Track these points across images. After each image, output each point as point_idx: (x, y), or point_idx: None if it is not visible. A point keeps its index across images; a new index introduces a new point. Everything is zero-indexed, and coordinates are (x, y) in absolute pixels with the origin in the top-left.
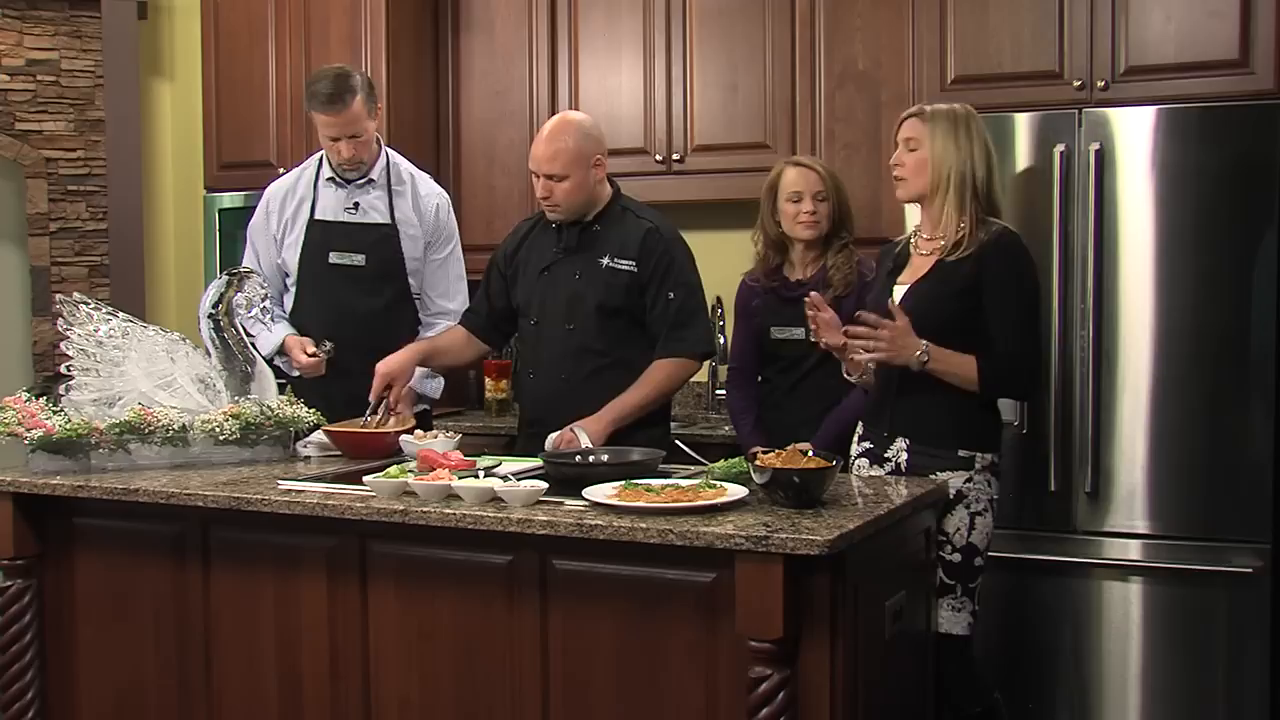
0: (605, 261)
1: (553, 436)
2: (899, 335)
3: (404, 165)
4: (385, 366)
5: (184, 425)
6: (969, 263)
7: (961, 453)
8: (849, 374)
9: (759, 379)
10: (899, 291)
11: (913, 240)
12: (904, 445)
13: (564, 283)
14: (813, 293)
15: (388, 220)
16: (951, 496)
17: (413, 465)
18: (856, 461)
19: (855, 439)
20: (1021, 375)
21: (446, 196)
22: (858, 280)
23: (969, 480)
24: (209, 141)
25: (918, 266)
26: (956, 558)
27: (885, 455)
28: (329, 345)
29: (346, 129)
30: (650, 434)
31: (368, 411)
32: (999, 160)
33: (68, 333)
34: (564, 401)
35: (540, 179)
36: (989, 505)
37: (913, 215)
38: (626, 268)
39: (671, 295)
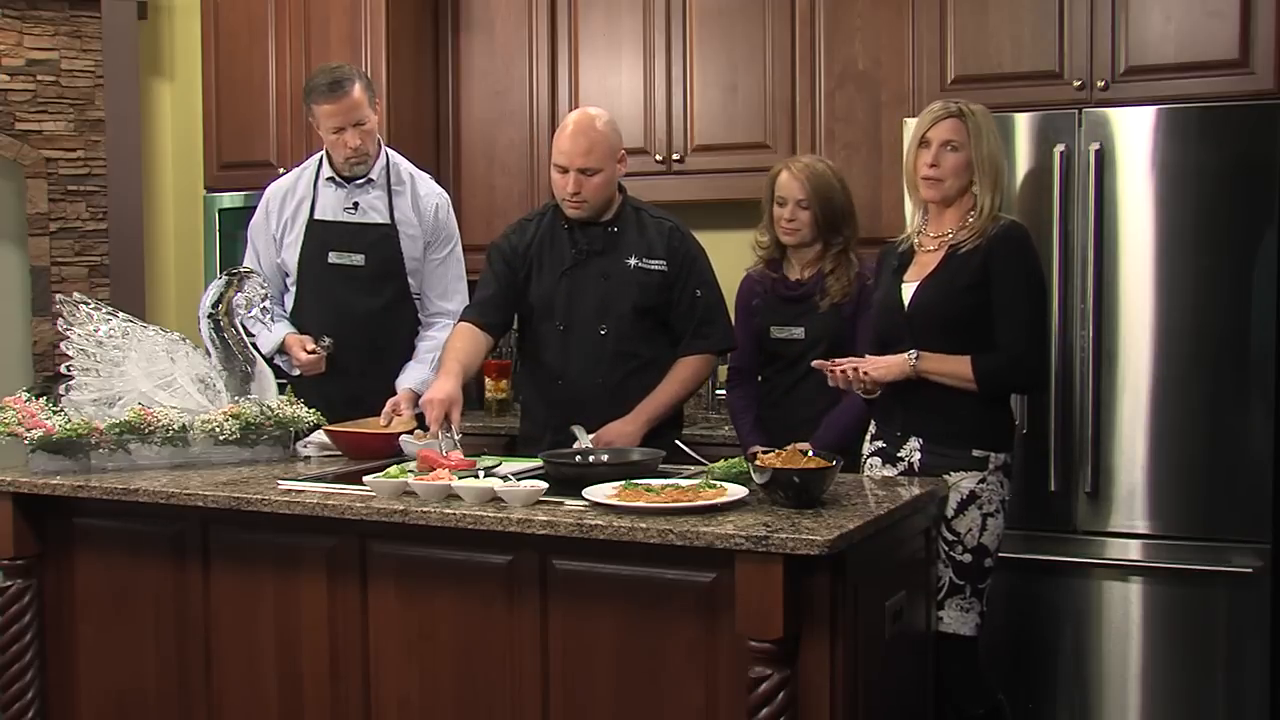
0: (633, 262)
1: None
2: (880, 365)
3: (404, 165)
4: (440, 394)
5: (184, 425)
6: (978, 255)
7: (975, 453)
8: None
9: (759, 378)
10: (908, 290)
11: (916, 240)
12: (917, 445)
13: (592, 286)
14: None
15: (387, 220)
16: (964, 497)
17: (413, 465)
18: (868, 461)
19: (868, 438)
20: (1021, 373)
21: (446, 197)
22: (857, 287)
23: (982, 481)
24: (209, 141)
25: (925, 263)
26: (967, 558)
27: (898, 455)
28: (329, 341)
29: (350, 116)
30: (670, 436)
31: (441, 445)
32: None
33: (68, 333)
34: (600, 406)
35: (570, 174)
36: (1001, 506)
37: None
38: (658, 268)
39: (699, 293)
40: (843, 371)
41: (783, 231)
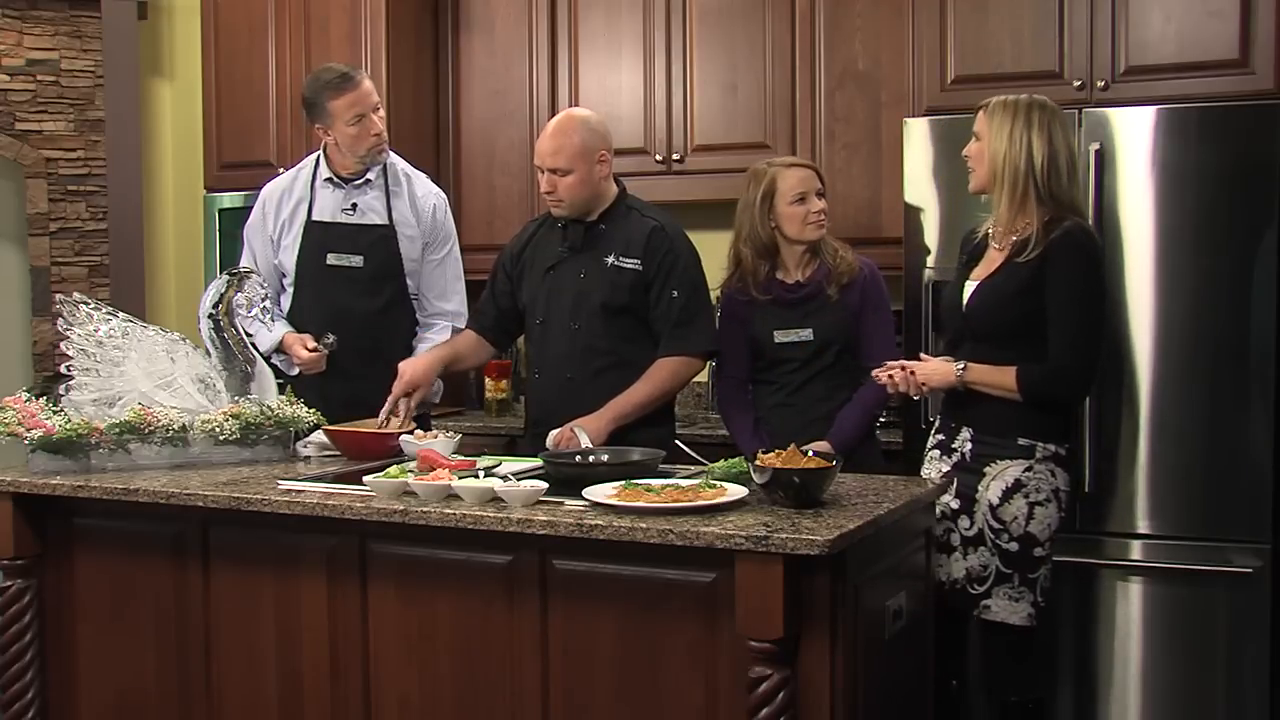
0: (610, 260)
1: (553, 434)
2: (927, 370)
3: (400, 165)
4: (411, 373)
5: (184, 425)
6: (1035, 262)
7: (1022, 441)
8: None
9: (763, 382)
10: (969, 287)
11: (990, 232)
12: (968, 435)
13: (569, 282)
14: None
15: (385, 221)
16: (1009, 485)
17: (413, 465)
18: (929, 454)
19: (932, 431)
20: (1063, 384)
21: (444, 197)
22: (859, 286)
23: (1029, 469)
24: (209, 141)
25: (991, 260)
26: (1014, 547)
27: (953, 446)
28: (332, 338)
29: (369, 101)
30: (655, 434)
31: (384, 412)
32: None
33: (68, 333)
34: (569, 401)
35: (544, 173)
36: (1053, 495)
37: (926, 216)
38: (632, 266)
39: (675, 293)
40: (890, 376)
41: (813, 227)
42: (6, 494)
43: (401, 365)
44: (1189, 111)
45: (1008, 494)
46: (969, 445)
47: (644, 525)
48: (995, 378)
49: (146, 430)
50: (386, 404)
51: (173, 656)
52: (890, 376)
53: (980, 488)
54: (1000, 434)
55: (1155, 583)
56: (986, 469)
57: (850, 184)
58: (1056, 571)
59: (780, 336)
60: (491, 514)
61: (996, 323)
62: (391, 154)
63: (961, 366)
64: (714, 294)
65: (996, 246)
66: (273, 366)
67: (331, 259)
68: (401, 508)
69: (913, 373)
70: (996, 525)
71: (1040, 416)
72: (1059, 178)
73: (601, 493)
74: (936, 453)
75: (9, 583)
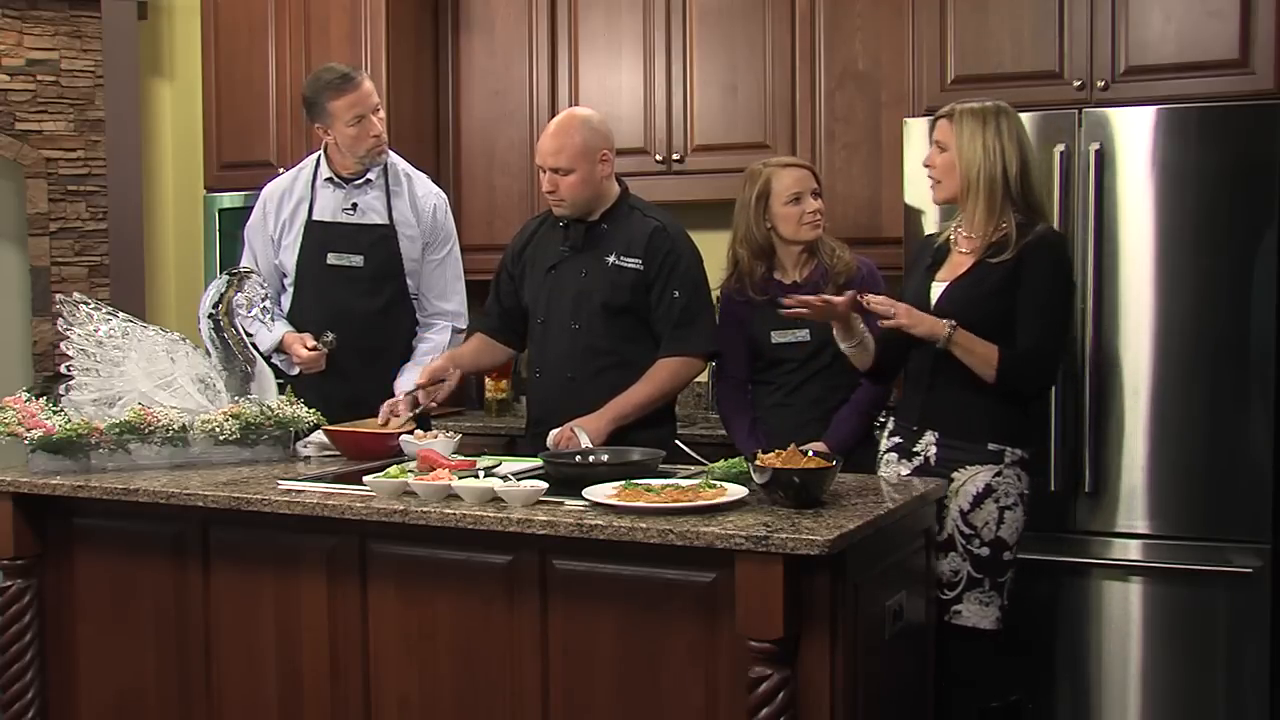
0: (611, 260)
1: (553, 434)
2: (916, 316)
3: (400, 165)
4: (440, 364)
5: (184, 425)
6: (1010, 263)
7: (991, 446)
8: (841, 341)
9: (761, 383)
10: (936, 289)
11: (953, 237)
12: (933, 439)
13: (570, 281)
14: (790, 301)
15: (386, 221)
16: (980, 490)
17: (413, 465)
18: (885, 456)
19: (885, 433)
20: (1033, 373)
21: (444, 197)
22: (856, 267)
23: (998, 474)
24: (209, 141)
25: (957, 264)
26: (985, 551)
27: (914, 450)
28: (331, 337)
29: (369, 102)
30: (655, 434)
31: (384, 410)
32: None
33: (68, 333)
34: (569, 400)
35: (546, 173)
36: (1020, 500)
37: (926, 216)
38: (633, 266)
39: (676, 294)
40: (877, 304)
41: (808, 227)
42: (6, 494)
43: (433, 363)
44: (1189, 111)
45: (978, 500)
46: (934, 449)
47: (644, 525)
48: (980, 348)
49: (146, 430)
50: (415, 385)
51: (173, 656)
52: (873, 304)
53: (949, 493)
54: (970, 438)
55: (1154, 583)
56: (955, 474)
57: (850, 184)
58: (1056, 571)
59: (778, 337)
60: (491, 514)
61: (966, 322)
62: (392, 154)
63: (952, 324)
64: (714, 294)
65: (963, 251)
66: (273, 366)
67: (332, 259)
68: (401, 508)
69: (898, 316)
70: (968, 531)
71: (1008, 420)
72: (1030, 182)
73: (601, 493)
74: (894, 455)
75: (9, 583)
